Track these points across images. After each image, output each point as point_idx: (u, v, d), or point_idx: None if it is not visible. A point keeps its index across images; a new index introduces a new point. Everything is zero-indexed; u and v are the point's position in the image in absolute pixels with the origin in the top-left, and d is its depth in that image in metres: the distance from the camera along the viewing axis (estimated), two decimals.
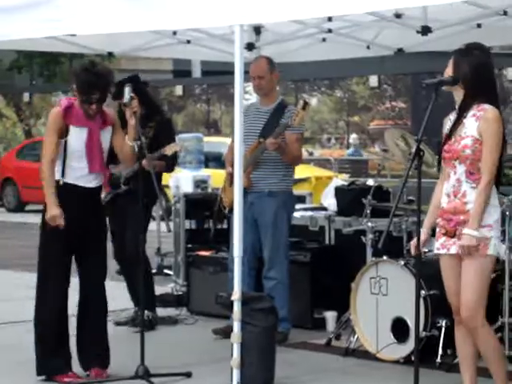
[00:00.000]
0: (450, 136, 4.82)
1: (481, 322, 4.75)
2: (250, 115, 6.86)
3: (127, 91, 5.77)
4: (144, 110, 6.98)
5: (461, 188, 4.77)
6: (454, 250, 4.79)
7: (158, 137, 7.08)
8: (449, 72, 4.80)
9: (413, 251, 4.90)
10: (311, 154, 24.97)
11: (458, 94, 4.82)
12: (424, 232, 4.91)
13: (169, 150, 6.85)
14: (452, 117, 4.90)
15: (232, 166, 6.84)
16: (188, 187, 9.48)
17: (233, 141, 7.08)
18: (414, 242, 4.88)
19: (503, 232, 5.61)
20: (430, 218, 4.95)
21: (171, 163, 7.23)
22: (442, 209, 4.85)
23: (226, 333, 6.47)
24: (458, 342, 4.91)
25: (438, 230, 4.87)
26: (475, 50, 4.80)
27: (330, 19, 6.94)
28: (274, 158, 6.76)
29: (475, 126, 4.74)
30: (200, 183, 9.44)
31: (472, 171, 4.75)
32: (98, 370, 5.80)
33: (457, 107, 4.86)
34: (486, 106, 4.74)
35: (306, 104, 6.57)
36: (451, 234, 4.79)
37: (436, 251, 4.90)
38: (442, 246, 4.84)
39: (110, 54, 8.25)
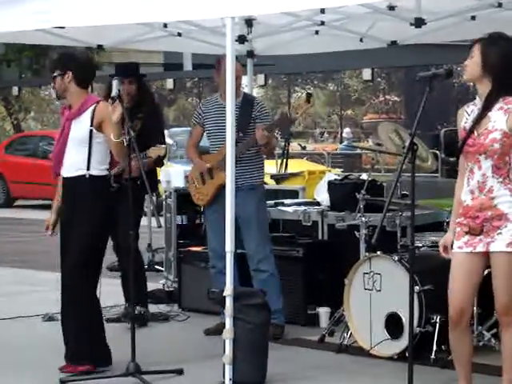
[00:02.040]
0: (472, 130, 4.65)
1: None
2: (212, 111, 6.83)
3: (115, 85, 5.71)
4: (137, 98, 7.01)
5: (487, 183, 4.63)
6: (481, 247, 4.63)
7: (145, 129, 7.01)
8: (474, 62, 4.62)
9: (444, 252, 4.76)
10: (304, 148, 24.94)
11: (483, 87, 4.66)
12: (450, 235, 4.77)
13: (153, 153, 6.81)
14: (469, 109, 4.75)
15: (208, 162, 6.80)
16: (179, 182, 9.42)
17: (190, 135, 7.06)
18: (443, 243, 4.77)
19: None
20: (455, 218, 4.78)
21: (159, 161, 7.17)
22: (465, 206, 4.69)
23: (217, 331, 6.39)
24: (454, 343, 4.80)
25: (458, 229, 4.69)
26: (501, 40, 4.66)
27: (322, 11, 6.86)
28: (250, 152, 6.73)
29: (504, 119, 4.61)
30: None
31: (499, 166, 4.61)
32: (67, 365, 5.78)
33: (478, 99, 4.69)
34: None
35: (309, 96, 6.52)
36: (477, 232, 4.63)
37: (457, 250, 4.70)
38: (466, 245, 4.67)
39: (100, 47, 8.17)
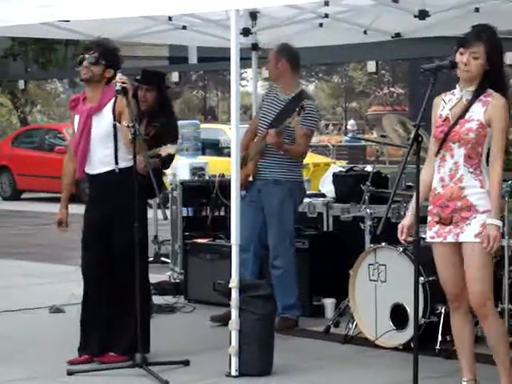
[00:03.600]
0: (448, 118, 4.72)
1: (491, 309, 4.72)
2: (268, 101, 6.88)
3: (118, 78, 5.69)
4: (155, 107, 7.04)
5: (458, 172, 4.70)
6: (451, 238, 4.71)
7: (159, 138, 6.99)
8: (480, 64, 4.63)
9: (401, 236, 4.81)
10: None
11: (472, 81, 4.69)
12: (409, 216, 4.82)
13: (163, 152, 6.78)
14: (446, 97, 4.80)
15: (245, 150, 6.85)
16: (185, 174, 9.44)
17: (251, 124, 7.09)
18: (400, 226, 4.81)
19: (502, 217, 5.56)
20: (418, 202, 4.77)
21: (167, 163, 7.14)
22: (436, 194, 4.76)
23: (224, 320, 6.44)
24: (456, 329, 4.87)
25: (430, 218, 4.77)
26: (498, 39, 4.71)
27: (326, 4, 6.87)
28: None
29: (482, 110, 4.68)
30: (197, 170, 9.39)
31: (471, 155, 4.69)
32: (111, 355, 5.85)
33: (458, 89, 4.74)
34: (494, 93, 4.68)
35: (300, 109, 6.51)
36: (446, 222, 4.71)
37: (429, 240, 4.80)
38: (437, 235, 4.75)
39: None
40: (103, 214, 5.80)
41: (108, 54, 5.83)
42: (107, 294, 5.81)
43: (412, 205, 4.83)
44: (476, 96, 4.70)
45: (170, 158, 7.02)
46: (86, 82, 5.86)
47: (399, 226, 4.86)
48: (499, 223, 4.62)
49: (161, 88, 7.26)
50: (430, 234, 4.79)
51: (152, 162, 6.75)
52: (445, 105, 4.79)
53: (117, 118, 5.75)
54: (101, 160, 5.79)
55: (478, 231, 4.65)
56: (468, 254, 4.69)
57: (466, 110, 4.71)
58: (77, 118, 5.89)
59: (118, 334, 5.81)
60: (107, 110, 5.77)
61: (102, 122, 5.77)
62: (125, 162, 5.78)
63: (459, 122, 4.71)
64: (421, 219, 4.68)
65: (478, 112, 4.69)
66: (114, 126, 5.75)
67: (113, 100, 5.77)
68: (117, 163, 5.77)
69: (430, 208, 4.79)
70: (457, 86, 4.79)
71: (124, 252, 5.73)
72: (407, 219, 4.83)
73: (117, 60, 5.88)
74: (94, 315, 5.84)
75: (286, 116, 6.63)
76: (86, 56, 5.79)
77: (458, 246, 4.74)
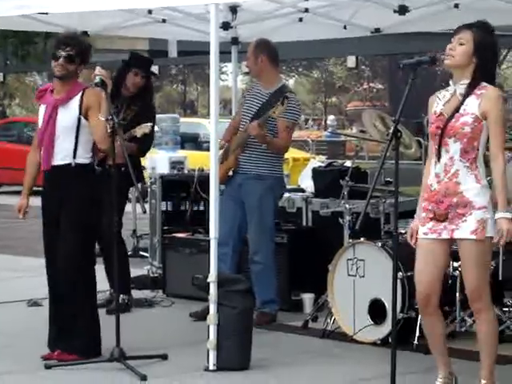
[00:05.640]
0: (443, 113, 4.69)
1: (487, 304, 4.70)
2: (251, 95, 6.91)
3: (97, 71, 5.68)
4: (137, 91, 7.06)
5: (453, 167, 4.65)
6: (445, 234, 4.67)
7: (136, 121, 6.99)
8: (465, 50, 4.63)
9: (412, 240, 4.78)
10: None
11: (463, 74, 4.67)
12: (417, 219, 4.79)
13: (138, 132, 6.79)
14: (440, 94, 4.77)
15: (227, 142, 6.85)
16: (164, 168, 9.44)
17: (233, 119, 7.10)
18: (410, 230, 4.79)
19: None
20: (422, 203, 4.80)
21: (144, 146, 7.16)
22: (431, 191, 4.70)
23: (203, 315, 6.43)
24: (427, 330, 4.86)
25: (424, 214, 4.73)
26: (491, 30, 4.70)
27: None
28: (258, 142, 6.71)
29: (476, 103, 4.64)
30: (176, 164, 9.40)
31: (467, 150, 4.64)
32: (60, 352, 5.76)
33: (452, 85, 4.72)
34: (488, 85, 4.66)
35: (284, 99, 6.53)
36: (442, 218, 4.65)
37: (423, 236, 4.74)
38: (431, 231, 4.70)
39: (85, 33, 8.15)
40: (55, 209, 5.77)
41: (83, 51, 5.80)
42: (62, 289, 5.74)
43: (419, 207, 4.80)
44: (470, 89, 4.66)
45: (145, 143, 7.03)
46: (59, 78, 5.82)
47: (408, 232, 4.82)
48: (509, 215, 4.55)
49: (149, 74, 7.35)
50: (424, 230, 4.72)
51: (128, 147, 6.77)
52: (439, 101, 4.75)
53: (83, 112, 5.73)
54: (59, 152, 5.76)
55: (475, 228, 4.60)
56: (464, 251, 4.66)
57: (461, 103, 4.66)
58: (42, 108, 5.86)
59: (70, 331, 5.77)
60: (74, 103, 5.75)
61: (68, 115, 5.75)
62: (82, 159, 5.77)
63: (454, 116, 4.65)
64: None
65: (472, 105, 4.64)
66: (79, 120, 5.74)
67: (80, 94, 5.75)
68: (74, 157, 5.75)
69: (424, 204, 4.74)
70: (450, 81, 4.75)
71: (70, 252, 5.68)
72: (415, 223, 4.79)
73: (89, 57, 5.87)
74: (55, 311, 5.81)
75: (269, 108, 6.64)
76: (62, 53, 5.74)
77: (449, 243, 4.71)
